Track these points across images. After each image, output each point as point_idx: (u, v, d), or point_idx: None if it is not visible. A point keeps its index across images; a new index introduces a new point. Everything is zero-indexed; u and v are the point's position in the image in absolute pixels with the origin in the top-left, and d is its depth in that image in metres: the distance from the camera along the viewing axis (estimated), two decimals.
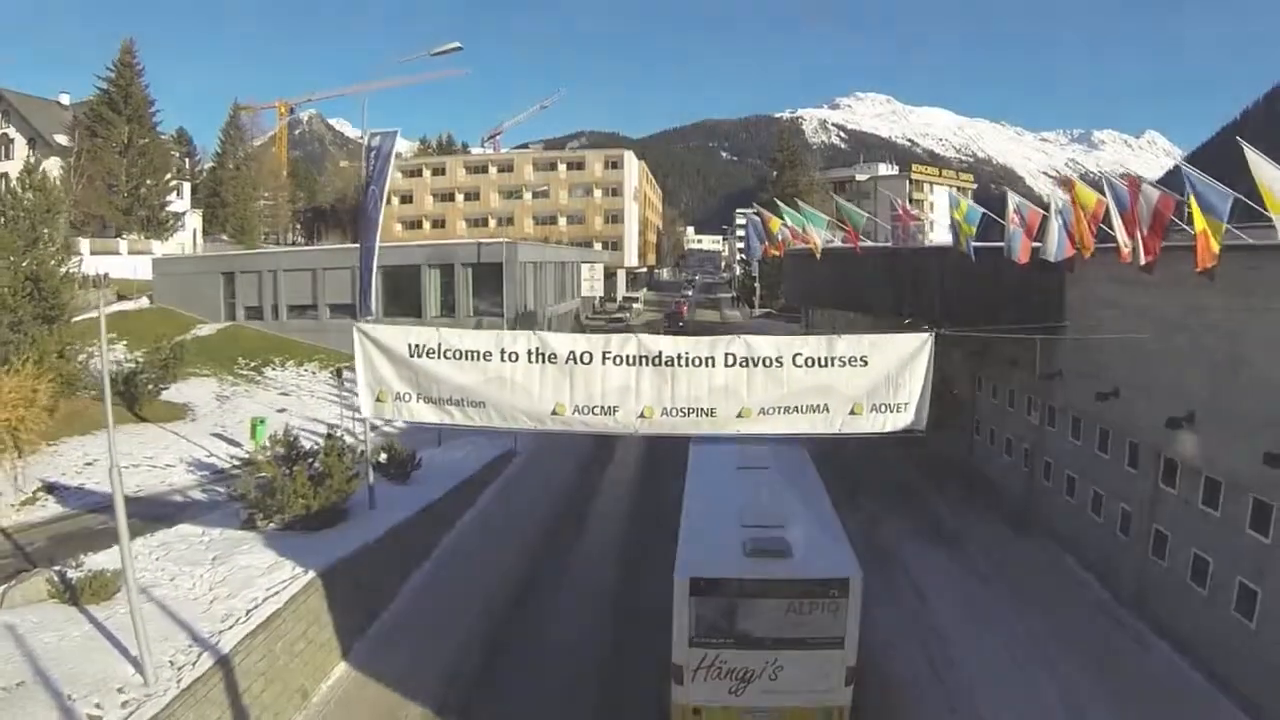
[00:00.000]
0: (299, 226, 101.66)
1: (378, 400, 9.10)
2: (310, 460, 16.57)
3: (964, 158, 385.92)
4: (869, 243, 22.29)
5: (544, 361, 8.77)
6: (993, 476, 22.31)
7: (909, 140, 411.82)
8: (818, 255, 22.16)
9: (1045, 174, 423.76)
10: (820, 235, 22.26)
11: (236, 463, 21.11)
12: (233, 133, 79.98)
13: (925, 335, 8.92)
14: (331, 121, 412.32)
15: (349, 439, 18.37)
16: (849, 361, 8.73)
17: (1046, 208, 15.39)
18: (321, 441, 17.03)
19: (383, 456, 19.69)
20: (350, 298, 38.35)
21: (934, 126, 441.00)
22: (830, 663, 10.26)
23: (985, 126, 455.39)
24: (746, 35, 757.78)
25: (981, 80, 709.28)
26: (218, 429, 25.91)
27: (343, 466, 16.07)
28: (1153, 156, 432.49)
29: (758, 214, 31.13)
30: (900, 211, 19.09)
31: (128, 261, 48.08)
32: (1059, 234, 15.52)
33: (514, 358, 8.80)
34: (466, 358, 8.84)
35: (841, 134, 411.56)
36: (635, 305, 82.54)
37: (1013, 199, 16.38)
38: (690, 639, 10.29)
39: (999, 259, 16.83)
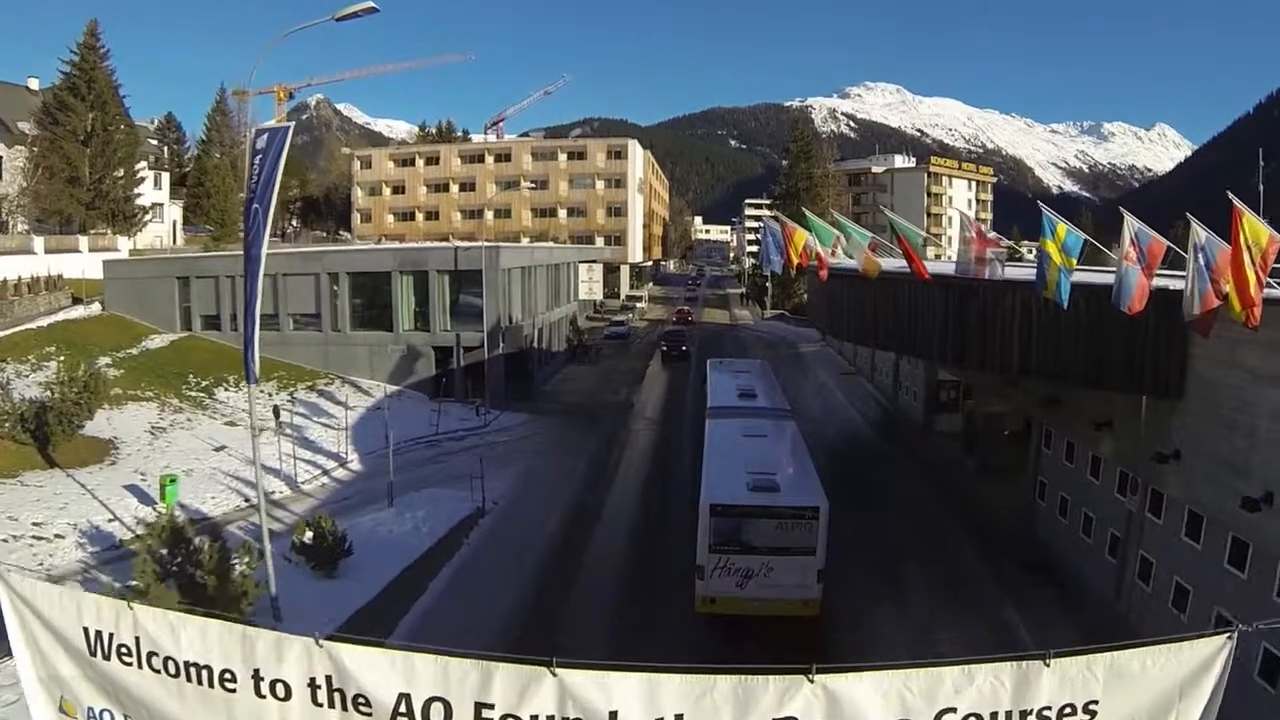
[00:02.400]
0: (291, 217, 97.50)
1: (61, 712, 5.03)
2: (197, 556, 12.80)
3: (973, 148, 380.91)
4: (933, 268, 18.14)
5: (345, 708, 4.37)
6: (1064, 557, 18.23)
7: (918, 130, 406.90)
8: (875, 275, 18.03)
9: (1055, 165, 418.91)
10: (865, 252, 18.15)
11: (141, 531, 17.19)
12: (218, 119, 75.72)
13: (1219, 641, 4.23)
14: (340, 106, 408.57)
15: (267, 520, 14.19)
16: (1059, 716, 4.17)
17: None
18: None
19: (307, 536, 15.73)
20: (315, 307, 34.38)
21: (943, 117, 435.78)
22: (806, 566, 13.94)
23: (995, 117, 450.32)
24: (756, 23, 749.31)
25: (992, 71, 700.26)
26: (138, 476, 21.91)
27: (229, 582, 12.17)
28: (1163, 149, 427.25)
29: (777, 220, 27.04)
30: (974, 235, 14.68)
31: (87, 260, 44.01)
32: (1197, 282, 11.43)
33: (281, 692, 4.45)
34: (188, 676, 4.54)
35: (851, 123, 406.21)
36: (639, 305, 77.60)
37: (1130, 223, 12.20)
38: (710, 546, 14.09)
39: (1102, 299, 12.83)
